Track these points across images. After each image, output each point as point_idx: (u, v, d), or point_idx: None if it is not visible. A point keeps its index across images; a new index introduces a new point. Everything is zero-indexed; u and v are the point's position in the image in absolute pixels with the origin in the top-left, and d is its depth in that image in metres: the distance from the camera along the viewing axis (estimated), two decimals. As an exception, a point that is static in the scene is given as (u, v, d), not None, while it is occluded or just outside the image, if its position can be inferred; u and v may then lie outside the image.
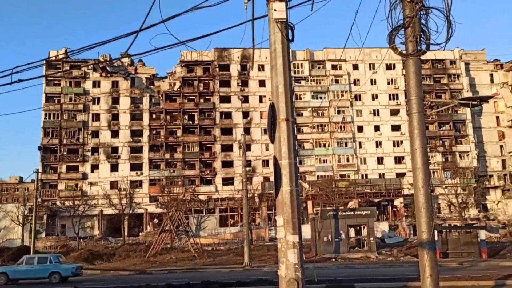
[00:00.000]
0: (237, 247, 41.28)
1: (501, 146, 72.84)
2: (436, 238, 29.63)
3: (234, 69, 69.27)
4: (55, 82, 67.92)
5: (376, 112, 69.61)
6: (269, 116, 7.31)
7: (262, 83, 68.24)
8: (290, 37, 7.72)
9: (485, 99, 10.59)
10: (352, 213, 33.99)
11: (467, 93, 66.40)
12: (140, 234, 56.15)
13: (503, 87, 73.81)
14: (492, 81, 75.08)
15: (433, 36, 8.10)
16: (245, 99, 68.24)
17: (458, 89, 70.51)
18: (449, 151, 68.45)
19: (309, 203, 57.02)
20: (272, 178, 7.24)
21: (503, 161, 72.28)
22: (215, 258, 35.92)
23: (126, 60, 67.20)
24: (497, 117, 73.76)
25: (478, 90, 71.36)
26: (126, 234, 53.56)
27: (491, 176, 70.70)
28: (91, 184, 64.11)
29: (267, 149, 64.22)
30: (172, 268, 31.17)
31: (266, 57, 62.08)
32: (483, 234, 31.94)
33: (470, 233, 32.49)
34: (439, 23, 7.96)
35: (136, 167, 65.62)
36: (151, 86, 70.33)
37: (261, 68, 67.55)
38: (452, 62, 72.22)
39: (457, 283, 16.63)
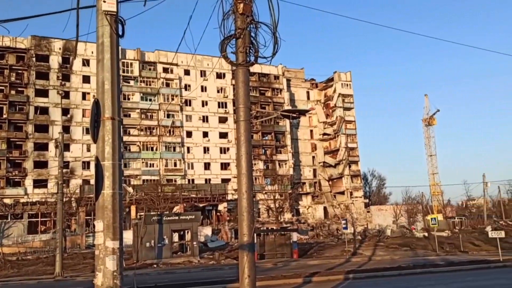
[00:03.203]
0: (48, 256, 37.58)
1: (313, 157, 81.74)
2: (255, 240, 31.48)
3: (55, 60, 63.19)
4: None
5: (205, 119, 71.30)
6: (92, 113, 6.78)
7: (86, 79, 63.85)
8: (120, 32, 7.32)
9: (304, 112, 11.57)
10: (177, 217, 33.91)
11: (287, 107, 72.55)
12: None
13: (317, 104, 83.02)
14: (308, 98, 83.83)
15: (261, 50, 8.56)
16: (66, 95, 62.74)
17: (280, 102, 76.67)
18: (270, 159, 73.76)
19: (133, 207, 55.25)
20: (93, 181, 6.64)
21: (314, 170, 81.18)
22: (20, 268, 31.99)
23: None
24: (311, 131, 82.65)
25: (297, 105, 78.85)
26: None
27: (304, 183, 78.61)
28: None
29: (88, 150, 60.30)
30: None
31: (92, 52, 58.51)
32: (295, 236, 35.01)
33: (284, 236, 35.26)
34: (267, 38, 8.44)
35: None
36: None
37: (86, 63, 63.37)
38: (276, 77, 78.28)
39: (271, 282, 17.86)
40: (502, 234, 28.19)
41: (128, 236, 35.22)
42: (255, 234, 34.27)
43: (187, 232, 33.24)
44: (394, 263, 25.47)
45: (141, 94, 67.41)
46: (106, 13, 6.95)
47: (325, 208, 77.27)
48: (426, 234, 48.84)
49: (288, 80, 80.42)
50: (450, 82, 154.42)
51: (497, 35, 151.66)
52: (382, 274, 19.79)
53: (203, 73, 71.07)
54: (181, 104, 69.44)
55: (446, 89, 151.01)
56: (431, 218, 40.55)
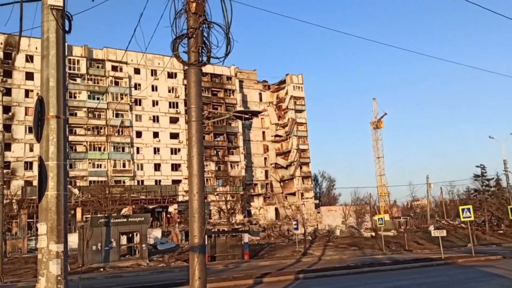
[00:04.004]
0: (-13, 261, 35.58)
1: (265, 158, 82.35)
2: (206, 242, 31.25)
3: (-5, 56, 60.27)
4: None
5: (156, 119, 70.14)
6: (36, 111, 6.48)
7: (30, 76, 61.17)
8: (67, 28, 7.05)
9: (256, 113, 11.61)
10: (125, 220, 33.10)
11: (240, 108, 72.74)
12: None
13: (269, 106, 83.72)
14: (261, 99, 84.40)
15: (214, 50, 8.49)
16: (8, 92, 59.64)
17: (232, 103, 76.68)
18: (222, 160, 73.59)
19: (79, 210, 53.48)
20: (36, 182, 6.37)
21: (266, 172, 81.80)
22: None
23: None
24: (263, 132, 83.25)
25: (249, 106, 79.21)
26: None
27: (256, 184, 79.03)
28: None
29: (31, 150, 57.80)
30: None
31: (37, 48, 56.14)
32: (246, 238, 35.06)
33: (236, 237, 35.26)
34: (219, 39, 8.38)
35: None
36: None
37: (30, 59, 60.67)
38: (229, 78, 78.25)
39: (222, 284, 17.79)
40: (443, 233, 29.51)
41: (73, 239, 34.07)
42: (206, 236, 33.94)
43: (136, 234, 32.51)
44: (343, 263, 26.07)
45: (89, 93, 65.42)
46: (51, 7, 6.67)
47: (276, 209, 78.01)
48: (373, 234, 50.39)
49: (241, 81, 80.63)
50: (397, 86, 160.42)
51: (442, 42, 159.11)
52: (332, 274, 20.18)
53: (154, 72, 69.92)
54: (130, 104, 67.94)
55: (393, 93, 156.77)
56: (378, 218, 41.84)
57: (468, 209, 28.04)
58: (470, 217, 28.15)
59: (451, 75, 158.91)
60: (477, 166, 54.37)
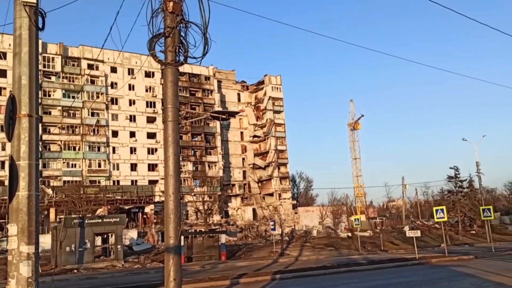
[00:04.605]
0: (-45, 263, 34.60)
1: (243, 159, 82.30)
2: (182, 243, 31.05)
3: (-34, 53, 58.65)
4: None
5: (132, 118, 69.34)
6: (7, 109, 6.35)
7: (2, 73, 59.57)
8: (40, 25, 6.94)
9: (233, 114, 11.61)
10: (100, 220, 32.62)
11: (218, 108, 72.50)
12: None
13: (247, 106, 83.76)
14: (239, 100, 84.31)
15: (191, 50, 8.45)
16: (-22, 89, 58.35)
17: (210, 103, 76.39)
18: (199, 161, 73.18)
19: (52, 210, 52.45)
20: (7, 182, 6.21)
21: (244, 172, 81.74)
22: None
23: None
24: (242, 133, 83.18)
25: (228, 106, 79.05)
26: None
27: (234, 185, 78.89)
28: None
29: (3, 149, 56.39)
30: None
31: (10, 45, 54.67)
32: (223, 238, 34.99)
33: (213, 238, 35.12)
34: (197, 39, 8.34)
35: None
36: None
37: (2, 55, 59.19)
38: (207, 78, 77.93)
39: (198, 285, 17.68)
40: (418, 233, 30.01)
41: (46, 240, 33.42)
42: (182, 237, 33.66)
43: (111, 235, 32.06)
44: (320, 263, 26.25)
45: (64, 91, 64.25)
46: (24, 4, 6.55)
47: (254, 210, 78.04)
48: (349, 234, 50.90)
49: (219, 82, 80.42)
50: (374, 88, 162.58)
51: (417, 45, 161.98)
52: (308, 274, 20.29)
53: (131, 71, 69.10)
54: (107, 103, 67.01)
55: (370, 95, 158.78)
56: (355, 219, 42.32)
57: (442, 210, 28.61)
58: (444, 217, 28.72)
59: (427, 78, 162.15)
60: (451, 168, 55.54)
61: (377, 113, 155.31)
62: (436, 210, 29.01)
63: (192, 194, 62.22)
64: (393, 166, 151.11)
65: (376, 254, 34.49)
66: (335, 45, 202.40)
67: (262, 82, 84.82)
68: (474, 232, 53.35)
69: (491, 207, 34.93)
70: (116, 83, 67.59)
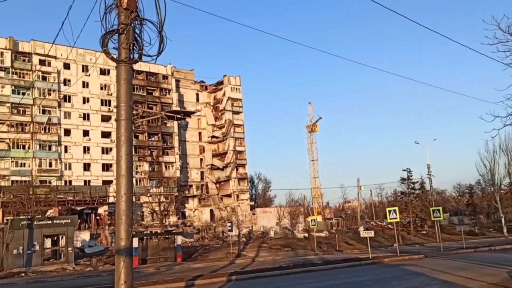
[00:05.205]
0: None
1: (201, 159, 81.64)
2: (136, 245, 30.38)
3: None
4: None
5: (86, 116, 67.38)
6: None
7: None
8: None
9: (189, 113, 11.47)
10: (50, 222, 31.42)
11: (176, 108, 71.62)
12: None
13: (206, 107, 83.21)
14: (198, 100, 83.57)
15: (146, 48, 8.23)
16: None
17: (168, 103, 75.30)
18: (156, 161, 71.99)
19: None
20: None
21: (202, 173, 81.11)
22: None
23: None
24: (200, 133, 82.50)
25: (186, 106, 78.21)
26: None
27: (191, 186, 78.14)
28: None
29: None
30: None
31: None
32: (179, 240, 34.54)
33: (169, 239, 34.63)
34: (152, 36, 8.14)
35: None
36: None
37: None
38: (165, 77, 76.78)
39: (152, 287, 17.33)
40: (372, 234, 30.72)
41: (-8, 244, 31.86)
42: (136, 238, 33.02)
43: (62, 237, 31.01)
44: (276, 263, 26.37)
45: (13, 87, 61.66)
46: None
47: (211, 211, 77.52)
48: (306, 234, 51.46)
49: (178, 81, 79.47)
50: (332, 92, 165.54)
51: (373, 51, 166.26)
52: (265, 275, 20.34)
53: (85, 68, 67.15)
54: (59, 100, 64.79)
55: (328, 98, 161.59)
56: (311, 220, 42.76)
57: (395, 210, 29.41)
58: (396, 218, 29.55)
59: (382, 82, 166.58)
60: (404, 170, 57.05)
61: (334, 116, 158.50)
62: (389, 211, 29.79)
63: (148, 195, 61.14)
64: (349, 168, 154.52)
65: (332, 254, 35.03)
66: (295, 48, 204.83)
67: (221, 83, 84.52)
68: (425, 232, 55.15)
69: (440, 208, 36.14)
70: (69, 80, 65.45)
